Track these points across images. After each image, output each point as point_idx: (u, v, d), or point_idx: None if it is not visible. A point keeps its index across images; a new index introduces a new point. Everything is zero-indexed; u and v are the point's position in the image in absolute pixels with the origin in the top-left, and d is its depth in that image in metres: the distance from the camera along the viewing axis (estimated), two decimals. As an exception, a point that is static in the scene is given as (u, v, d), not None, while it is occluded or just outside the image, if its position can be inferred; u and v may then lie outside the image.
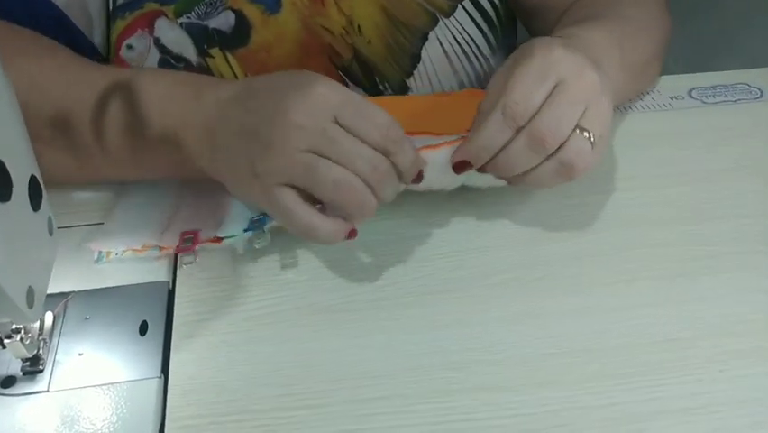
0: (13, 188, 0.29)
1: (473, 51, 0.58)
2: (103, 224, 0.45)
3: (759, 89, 0.61)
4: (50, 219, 0.34)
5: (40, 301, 0.32)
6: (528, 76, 0.39)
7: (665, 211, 0.48)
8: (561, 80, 0.39)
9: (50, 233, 0.34)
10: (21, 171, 0.30)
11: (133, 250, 0.42)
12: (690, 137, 0.55)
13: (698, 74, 0.62)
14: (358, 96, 0.38)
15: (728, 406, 0.37)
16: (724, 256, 0.45)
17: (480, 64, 0.60)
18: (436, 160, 0.41)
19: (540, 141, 0.38)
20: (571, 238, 0.46)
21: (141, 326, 0.39)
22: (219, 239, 0.42)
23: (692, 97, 0.60)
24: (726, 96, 0.61)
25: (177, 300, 0.41)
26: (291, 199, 0.37)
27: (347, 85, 0.57)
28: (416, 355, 0.39)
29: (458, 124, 0.43)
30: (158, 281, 0.42)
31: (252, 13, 0.52)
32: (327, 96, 0.37)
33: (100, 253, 0.43)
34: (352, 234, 0.40)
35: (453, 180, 0.43)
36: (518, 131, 0.39)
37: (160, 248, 0.43)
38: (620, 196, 0.49)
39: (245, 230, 0.42)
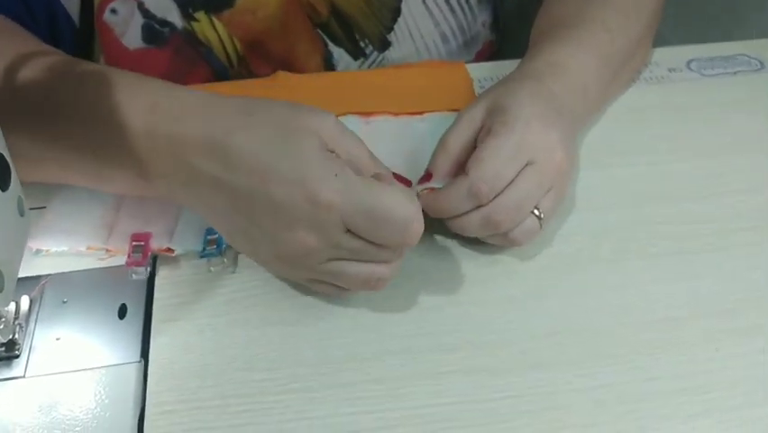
0: (-24, 167, 0.28)
1: (456, 1, 0.57)
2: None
3: (759, 61, 0.60)
4: (19, 199, 0.32)
5: (11, 285, 0.30)
6: (501, 153, 0.37)
7: (662, 187, 0.47)
8: (531, 161, 0.38)
9: (21, 213, 0.32)
10: (-16, 149, 0.28)
11: (78, 251, 0.40)
12: (688, 111, 0.54)
13: (696, 45, 0.61)
14: (366, 196, 0.33)
15: (723, 385, 0.36)
16: (720, 234, 0.44)
17: (464, 14, 0.58)
18: None
19: (496, 223, 0.38)
20: (566, 216, 0.45)
21: (120, 309, 0.38)
22: (171, 250, 0.40)
23: (690, 69, 0.58)
24: (725, 68, 0.59)
25: (156, 283, 0.40)
26: (330, 290, 0.37)
27: (327, 45, 0.56)
28: (404, 337, 0.38)
29: (416, 102, 0.44)
30: (138, 263, 0.40)
31: None
32: (332, 207, 0.32)
33: (39, 249, 0.40)
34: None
35: None
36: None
37: (107, 250, 0.40)
38: (617, 172, 0.48)
39: (201, 255, 0.40)
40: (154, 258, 0.41)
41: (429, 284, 0.40)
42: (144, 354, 0.36)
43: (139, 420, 0.34)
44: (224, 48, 0.54)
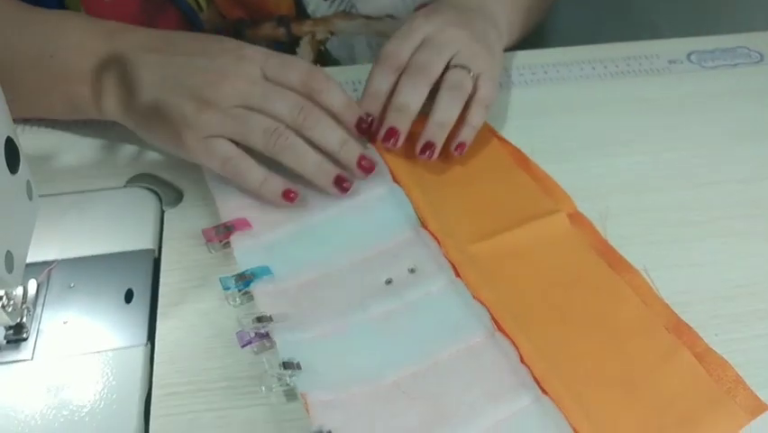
0: (-13, 149, 0.28)
1: None
2: (84, 192, 0.44)
3: (759, 53, 0.60)
4: (28, 183, 0.33)
5: (20, 266, 0.31)
6: (396, 37, 0.47)
7: (662, 176, 0.47)
8: (426, 37, 0.47)
9: (30, 197, 0.33)
10: (-6, 130, 0.29)
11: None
12: (688, 102, 0.54)
13: (697, 38, 0.61)
14: (282, 53, 0.43)
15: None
16: (719, 221, 0.44)
17: None
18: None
19: (418, 70, 0.45)
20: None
21: (127, 294, 0.38)
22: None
23: (691, 61, 0.59)
24: (725, 59, 0.59)
25: (162, 268, 0.40)
26: (227, 147, 0.41)
27: None
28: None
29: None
30: (143, 249, 0.41)
31: None
32: (254, 55, 0.42)
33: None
34: (288, 194, 0.42)
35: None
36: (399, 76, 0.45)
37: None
38: (618, 161, 0.49)
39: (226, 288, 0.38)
40: (160, 241, 0.41)
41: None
42: (150, 337, 0.37)
43: (145, 402, 0.34)
44: None
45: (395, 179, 0.44)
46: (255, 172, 0.41)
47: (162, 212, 0.44)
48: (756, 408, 0.33)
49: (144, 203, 0.43)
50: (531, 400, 0.33)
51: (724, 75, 0.57)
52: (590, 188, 0.46)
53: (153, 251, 0.41)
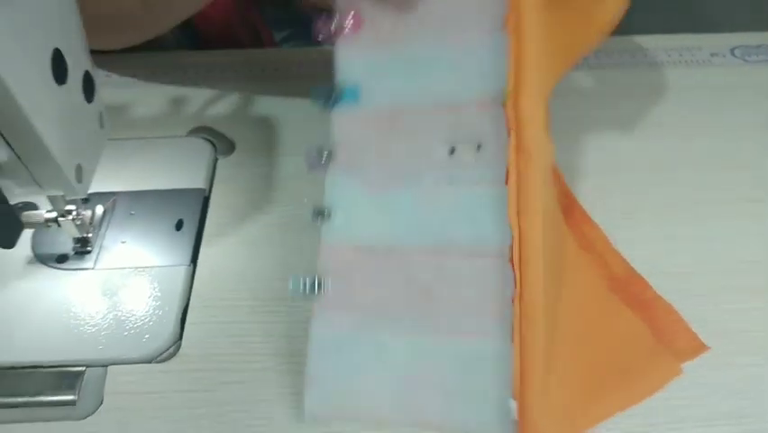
0: (69, 76, 0.34)
1: None
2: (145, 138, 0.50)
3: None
4: (101, 114, 0.38)
5: (87, 180, 0.36)
6: None
7: (689, 158, 0.49)
8: None
9: (101, 125, 0.38)
10: (76, 62, 0.34)
11: None
12: (726, 92, 0.55)
13: (742, 33, 0.62)
14: None
15: (720, 335, 0.38)
16: (735, 203, 0.46)
17: None
18: None
19: None
20: (591, 177, 0.47)
21: (178, 223, 0.44)
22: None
23: (734, 56, 0.60)
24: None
25: (211, 205, 0.45)
26: None
27: None
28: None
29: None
30: (196, 188, 0.46)
31: None
32: None
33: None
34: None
35: None
36: None
37: None
38: (649, 143, 0.50)
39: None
40: (211, 182, 0.47)
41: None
42: (194, 259, 0.42)
43: (183, 312, 0.39)
44: None
45: (506, 25, 0.36)
46: None
47: (216, 159, 0.49)
48: (696, 348, 0.37)
49: (201, 150, 0.49)
50: (500, 339, 0.33)
51: (765, 69, 0.58)
52: (620, 163, 0.48)
53: (204, 190, 0.46)
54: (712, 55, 0.59)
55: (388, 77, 0.38)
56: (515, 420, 0.32)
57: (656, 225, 0.44)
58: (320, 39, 0.38)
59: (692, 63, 0.59)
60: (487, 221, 0.35)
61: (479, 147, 0.36)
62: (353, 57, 0.38)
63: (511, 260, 0.34)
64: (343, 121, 0.37)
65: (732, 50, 0.60)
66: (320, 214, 0.36)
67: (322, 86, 0.38)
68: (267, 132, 0.51)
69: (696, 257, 0.42)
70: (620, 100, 0.54)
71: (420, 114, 0.37)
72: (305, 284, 0.35)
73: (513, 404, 0.32)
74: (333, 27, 0.38)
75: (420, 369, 0.34)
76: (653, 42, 0.60)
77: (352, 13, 0.38)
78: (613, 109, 0.53)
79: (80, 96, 0.35)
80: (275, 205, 0.46)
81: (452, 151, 0.36)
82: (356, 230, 0.36)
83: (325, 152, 0.37)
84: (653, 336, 0.37)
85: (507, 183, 0.34)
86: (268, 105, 0.53)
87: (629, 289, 0.39)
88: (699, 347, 0.36)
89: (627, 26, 0.65)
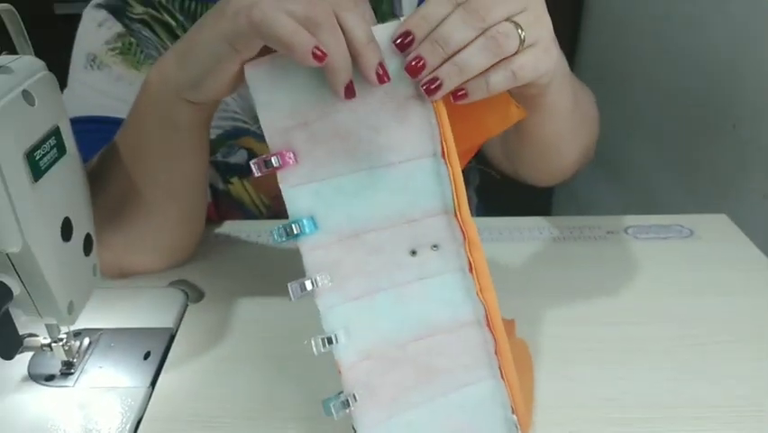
0: (73, 235, 0.47)
1: None
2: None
3: (690, 230, 0.72)
4: (95, 265, 0.51)
5: (77, 312, 0.48)
6: None
7: (578, 313, 0.59)
8: None
9: (94, 273, 0.51)
10: (80, 226, 0.48)
11: None
12: (616, 262, 0.67)
13: (636, 216, 0.75)
14: None
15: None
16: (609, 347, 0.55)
17: None
18: (379, 37, 0.41)
19: (474, 9, 0.40)
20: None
21: (146, 354, 0.55)
22: None
23: (627, 234, 0.72)
24: (658, 233, 0.72)
25: (176, 340, 0.57)
26: (265, 5, 0.40)
27: None
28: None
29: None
30: (165, 327, 0.58)
31: (260, 148, 0.72)
32: None
33: None
34: (316, 51, 0.38)
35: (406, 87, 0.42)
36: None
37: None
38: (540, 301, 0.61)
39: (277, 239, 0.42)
40: (179, 321, 0.58)
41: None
42: (153, 383, 0.52)
43: (136, 426, 0.49)
44: (254, 201, 0.75)
45: (444, 155, 0.42)
46: (288, 22, 0.39)
47: (186, 305, 0.61)
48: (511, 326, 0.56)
49: (174, 298, 0.61)
50: (493, 378, 0.44)
51: (654, 245, 0.70)
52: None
53: (172, 329, 0.58)
54: (608, 233, 0.72)
55: (338, 203, 0.42)
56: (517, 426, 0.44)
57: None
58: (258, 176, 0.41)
59: (590, 239, 0.71)
60: (459, 300, 0.44)
61: (435, 247, 0.43)
62: (298, 190, 0.42)
63: (487, 324, 0.44)
64: (312, 251, 0.42)
65: (626, 230, 0.73)
66: (329, 341, 0.42)
67: (280, 223, 0.42)
68: (233, 282, 0.63)
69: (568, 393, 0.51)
70: (536, 267, 0.66)
71: (380, 231, 0.43)
72: (336, 406, 0.41)
73: (514, 418, 0.44)
74: (268, 166, 0.41)
75: (441, 426, 0.44)
76: (559, 222, 0.74)
77: (286, 148, 0.41)
78: (523, 274, 0.65)
79: (80, 251, 0.49)
80: (230, 340, 0.57)
81: (414, 253, 0.43)
82: (358, 342, 0.43)
83: (307, 282, 0.41)
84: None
85: (470, 270, 0.43)
86: (238, 261, 0.66)
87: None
88: (511, 323, 0.56)
89: (546, 209, 0.79)
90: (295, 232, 0.42)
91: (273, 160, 0.41)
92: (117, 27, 0.68)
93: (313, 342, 0.41)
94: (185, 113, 0.51)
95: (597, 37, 1.64)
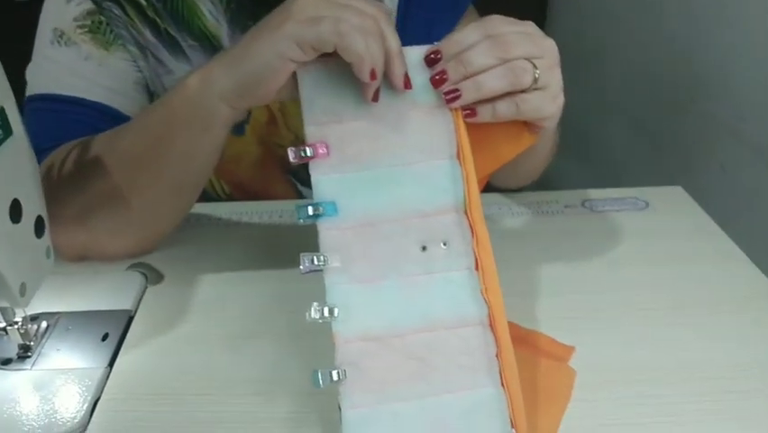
0: (23, 217, 0.47)
1: None
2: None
3: (645, 202, 0.74)
4: (48, 248, 0.51)
5: (30, 294, 0.48)
6: (504, 19, 0.48)
7: (535, 285, 0.61)
8: (528, 32, 0.48)
9: (48, 256, 0.51)
10: (30, 207, 0.48)
11: None
12: (573, 235, 0.68)
13: (593, 189, 0.76)
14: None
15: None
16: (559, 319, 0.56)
17: None
18: (409, 58, 0.47)
19: (501, 42, 0.46)
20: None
21: (104, 336, 0.55)
22: None
23: (584, 207, 0.73)
24: (613, 205, 0.73)
25: (134, 322, 0.57)
26: (335, 15, 0.44)
27: (297, 187, 0.75)
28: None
29: None
30: (123, 309, 0.58)
31: None
32: None
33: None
34: (374, 72, 0.44)
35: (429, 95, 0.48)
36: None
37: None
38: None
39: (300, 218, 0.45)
40: (138, 303, 0.58)
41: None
42: (111, 363, 0.53)
43: (93, 405, 0.49)
44: (214, 188, 0.75)
45: (459, 156, 0.47)
46: (361, 40, 0.43)
47: (146, 288, 0.61)
48: (568, 350, 0.53)
49: (134, 281, 0.61)
50: (493, 386, 0.43)
51: (610, 217, 0.71)
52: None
53: (130, 311, 0.58)
54: (566, 207, 0.73)
55: (360, 193, 0.46)
56: None
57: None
58: (294, 164, 0.46)
59: (548, 213, 0.72)
60: (464, 298, 0.45)
61: (445, 244, 0.46)
62: (326, 178, 0.46)
63: (490, 325, 0.44)
64: (329, 231, 0.45)
65: (582, 203, 0.74)
66: (330, 312, 0.43)
67: (305, 204, 0.45)
68: (193, 265, 0.64)
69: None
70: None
71: (393, 222, 0.46)
72: (324, 375, 0.42)
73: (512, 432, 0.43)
74: (303, 155, 0.46)
75: (429, 426, 0.43)
76: (522, 198, 0.75)
77: (320, 141, 0.46)
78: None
79: (31, 233, 0.48)
80: (190, 318, 0.57)
81: (424, 248, 0.46)
82: (357, 321, 0.44)
83: (316, 258, 0.44)
84: (545, 358, 0.49)
85: (476, 269, 0.45)
86: (199, 243, 0.67)
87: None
88: (569, 350, 0.52)
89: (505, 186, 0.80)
90: (317, 213, 0.45)
91: (308, 150, 0.46)
92: (87, 4, 0.66)
93: (312, 308, 0.43)
94: (222, 117, 0.52)
95: (564, 18, 1.66)
